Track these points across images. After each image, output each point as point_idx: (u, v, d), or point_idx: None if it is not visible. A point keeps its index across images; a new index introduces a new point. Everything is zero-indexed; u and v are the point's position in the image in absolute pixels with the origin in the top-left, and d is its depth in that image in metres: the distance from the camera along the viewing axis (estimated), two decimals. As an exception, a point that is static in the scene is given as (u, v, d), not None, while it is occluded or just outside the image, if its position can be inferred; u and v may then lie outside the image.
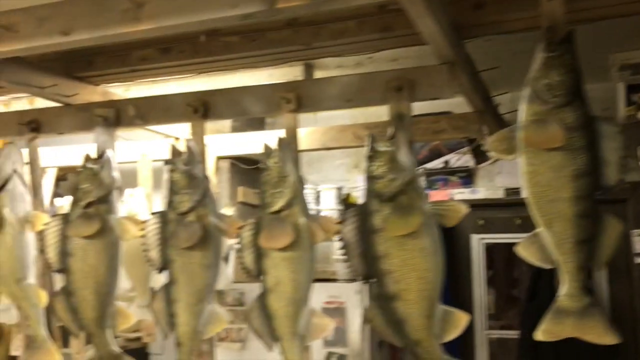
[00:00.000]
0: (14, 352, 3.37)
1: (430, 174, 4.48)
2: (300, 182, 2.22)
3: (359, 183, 4.55)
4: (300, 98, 2.28)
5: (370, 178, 2.02)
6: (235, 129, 4.27)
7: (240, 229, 2.25)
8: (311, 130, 3.27)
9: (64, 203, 3.13)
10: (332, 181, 4.56)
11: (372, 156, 2.02)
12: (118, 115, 2.56)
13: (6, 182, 2.56)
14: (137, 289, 3.16)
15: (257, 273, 2.21)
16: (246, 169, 4.62)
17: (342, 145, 3.13)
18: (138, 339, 3.92)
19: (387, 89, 2.16)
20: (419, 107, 2.19)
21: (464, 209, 1.97)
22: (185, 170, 2.28)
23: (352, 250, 2.06)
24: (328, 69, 3.19)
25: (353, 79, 2.28)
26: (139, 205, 3.40)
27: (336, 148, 3.22)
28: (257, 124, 4.65)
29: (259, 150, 3.64)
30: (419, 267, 1.97)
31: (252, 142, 3.52)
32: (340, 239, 2.08)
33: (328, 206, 4.23)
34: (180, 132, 3.45)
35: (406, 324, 2.02)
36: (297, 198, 2.18)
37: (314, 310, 2.20)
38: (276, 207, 2.16)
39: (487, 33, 2.29)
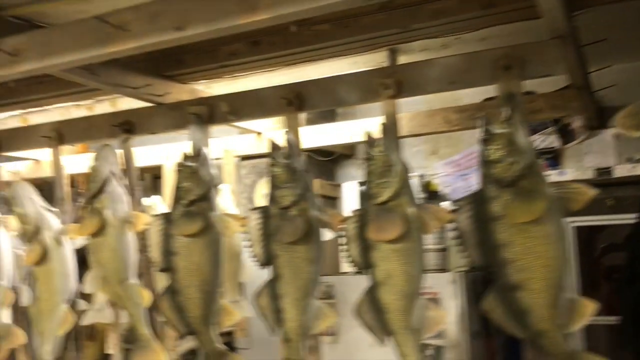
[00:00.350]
0: (108, 351, 3.44)
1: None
2: (406, 171, 2.15)
3: (437, 170, 4.44)
4: (400, 83, 2.20)
5: (487, 163, 1.92)
6: (309, 122, 4.22)
7: (344, 221, 2.20)
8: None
9: (152, 202, 3.15)
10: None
11: (488, 139, 1.92)
12: (211, 112, 2.54)
13: (105, 184, 2.59)
14: (227, 285, 3.15)
15: (364, 266, 2.15)
16: (322, 161, 4.57)
17: (431, 130, 3.02)
18: (228, 333, 3.94)
19: (495, 68, 2.06)
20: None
21: (591, 192, 1.85)
22: (286, 164, 2.24)
23: (468, 239, 1.98)
24: (413, 53, 3.08)
25: (455, 59, 2.18)
26: (226, 201, 3.39)
27: (426, 134, 3.12)
28: (330, 116, 4.58)
29: (334, 141, 3.64)
30: (544, 255, 1.87)
31: (327, 134, 3.46)
32: (455, 229, 2.00)
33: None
34: (261, 127, 3.42)
35: (530, 315, 1.92)
36: (405, 187, 2.11)
37: (427, 303, 2.13)
38: (383, 198, 2.09)
39: (597, 4, 2.14)
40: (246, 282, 3.14)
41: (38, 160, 4.05)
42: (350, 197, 4.13)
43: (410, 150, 4.64)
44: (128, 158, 2.73)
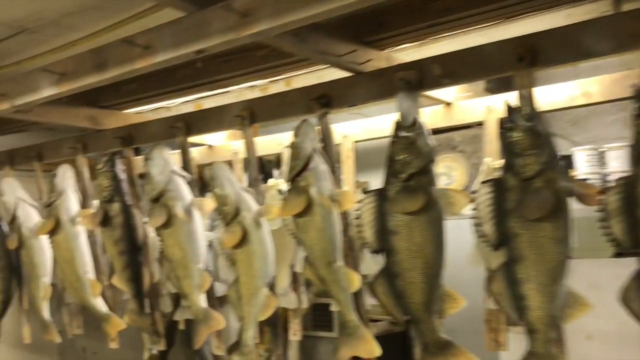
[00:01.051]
0: (291, 337, 3.33)
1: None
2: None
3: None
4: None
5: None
6: (489, 91, 3.86)
7: (603, 192, 1.86)
8: (578, 82, 2.74)
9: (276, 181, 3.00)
10: (605, 140, 3.93)
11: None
12: (421, 77, 2.29)
13: (308, 161, 2.43)
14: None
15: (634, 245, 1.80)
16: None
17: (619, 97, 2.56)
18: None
19: None
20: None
21: None
22: (528, 127, 1.93)
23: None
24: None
25: None
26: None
27: (609, 102, 2.66)
28: (506, 85, 4.18)
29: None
30: None
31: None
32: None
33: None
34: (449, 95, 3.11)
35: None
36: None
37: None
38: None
39: None
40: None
41: (211, 146, 4.05)
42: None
43: (604, 119, 4.14)
44: (327, 134, 2.55)
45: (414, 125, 2.19)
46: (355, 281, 2.42)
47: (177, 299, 3.39)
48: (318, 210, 2.39)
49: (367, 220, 2.24)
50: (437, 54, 2.44)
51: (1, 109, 2.50)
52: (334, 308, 2.58)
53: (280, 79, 3.56)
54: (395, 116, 2.24)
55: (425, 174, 2.14)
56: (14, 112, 2.88)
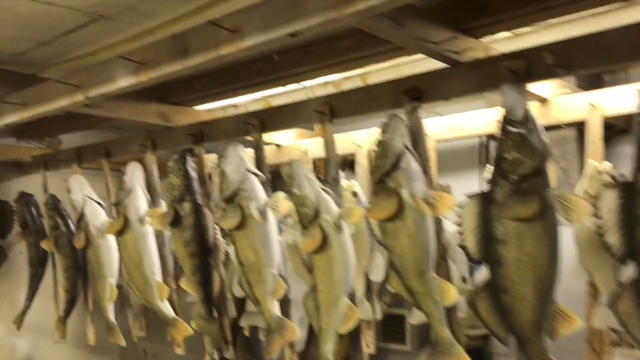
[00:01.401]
0: (364, 350, 3.12)
1: None
2: None
3: None
4: None
5: None
6: (582, 88, 3.54)
7: None
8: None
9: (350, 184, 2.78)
10: None
11: None
12: (530, 67, 2.04)
13: (399, 159, 2.21)
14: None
15: None
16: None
17: None
18: (483, 337, 3.45)
19: None
20: None
21: None
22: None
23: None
24: None
25: None
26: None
27: None
28: (597, 82, 3.85)
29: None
30: None
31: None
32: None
33: None
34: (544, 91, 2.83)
35: None
36: None
37: None
38: None
39: None
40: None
41: (280, 145, 3.89)
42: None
43: None
44: (418, 131, 2.33)
45: (526, 119, 1.95)
46: (450, 294, 2.18)
47: (241, 303, 3.24)
48: (410, 214, 2.17)
49: (469, 227, 2.00)
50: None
51: (74, 100, 2.39)
52: (413, 321, 2.36)
53: (355, 76, 3.37)
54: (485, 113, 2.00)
55: (539, 175, 1.89)
56: (84, 106, 2.78)
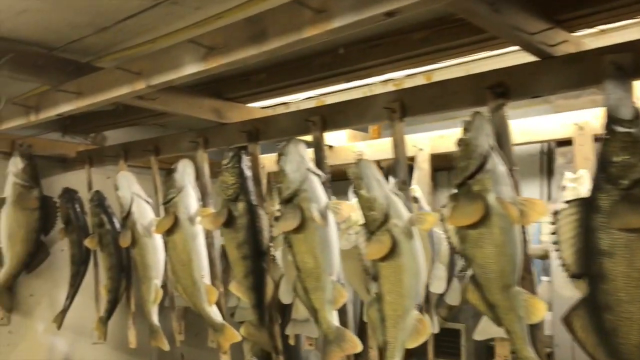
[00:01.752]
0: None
1: None
2: None
3: None
4: None
5: None
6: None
7: None
8: None
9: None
10: None
11: None
12: (637, 61, 1.84)
13: (485, 161, 2.02)
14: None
15: None
16: None
17: None
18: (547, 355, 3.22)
19: None
20: None
21: None
22: None
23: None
24: None
25: None
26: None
27: None
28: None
29: None
30: None
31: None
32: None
33: None
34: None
35: None
36: None
37: None
38: None
39: None
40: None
41: (332, 146, 3.72)
42: None
43: None
44: (503, 130, 2.13)
45: (636, 117, 1.74)
46: (539, 310, 1.98)
47: (285, 310, 3.07)
48: (497, 220, 1.97)
49: (566, 237, 1.80)
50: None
51: (135, 89, 2.25)
52: (478, 337, 2.17)
53: (419, 73, 3.19)
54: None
55: (652, 180, 1.69)
56: (138, 98, 2.65)
